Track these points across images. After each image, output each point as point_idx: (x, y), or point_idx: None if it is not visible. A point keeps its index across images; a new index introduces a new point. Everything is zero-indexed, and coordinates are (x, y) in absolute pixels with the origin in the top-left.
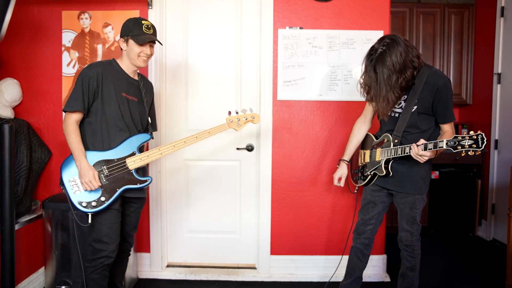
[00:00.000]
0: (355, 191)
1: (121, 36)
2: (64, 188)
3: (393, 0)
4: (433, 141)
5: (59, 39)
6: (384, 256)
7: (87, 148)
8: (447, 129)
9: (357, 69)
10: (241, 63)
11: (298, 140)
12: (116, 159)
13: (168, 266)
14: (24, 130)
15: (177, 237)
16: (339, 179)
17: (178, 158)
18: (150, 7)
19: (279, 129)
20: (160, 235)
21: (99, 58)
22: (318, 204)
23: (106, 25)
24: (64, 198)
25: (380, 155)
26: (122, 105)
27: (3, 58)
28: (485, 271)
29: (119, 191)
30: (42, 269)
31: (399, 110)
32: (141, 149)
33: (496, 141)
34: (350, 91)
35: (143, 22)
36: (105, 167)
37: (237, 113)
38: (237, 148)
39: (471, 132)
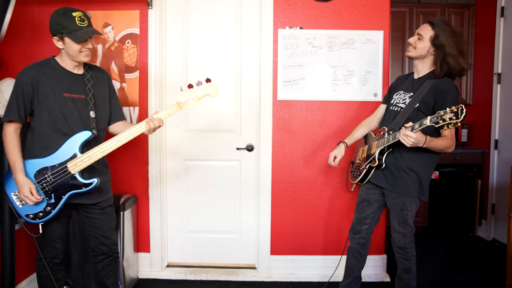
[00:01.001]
0: (352, 190)
1: (53, 35)
2: (10, 201)
3: (393, 0)
4: (418, 121)
5: None
6: (384, 256)
7: (32, 156)
8: (446, 134)
9: (357, 69)
10: (241, 63)
11: (298, 140)
12: (58, 164)
13: (168, 266)
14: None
15: (177, 237)
16: (334, 158)
17: (178, 158)
18: (150, 7)
19: (279, 129)
20: (160, 235)
21: (99, 58)
22: (318, 204)
23: (106, 25)
24: None
25: (375, 147)
26: (65, 106)
27: (3, 58)
28: (485, 271)
29: (64, 198)
30: None
31: (403, 105)
32: (88, 145)
33: (496, 141)
34: (350, 91)
35: (74, 14)
36: (48, 174)
37: (191, 87)
38: (237, 148)
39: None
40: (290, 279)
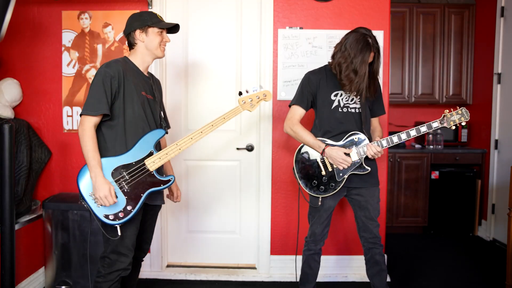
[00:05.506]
0: (320, 203)
1: (137, 28)
2: (86, 202)
3: (393, 0)
4: (425, 124)
5: (59, 39)
6: (384, 256)
7: (109, 154)
8: (378, 122)
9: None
10: (241, 63)
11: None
12: (135, 162)
13: (168, 266)
14: (24, 130)
15: (177, 237)
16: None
17: (178, 158)
18: (150, 7)
19: (279, 129)
20: (160, 235)
21: (99, 59)
22: None
23: (106, 25)
24: (64, 198)
25: (357, 154)
26: (144, 104)
27: (3, 58)
28: (485, 271)
29: (143, 196)
30: (42, 269)
31: (357, 105)
32: (157, 146)
33: (496, 141)
34: None
35: (154, 12)
36: (125, 173)
37: (247, 92)
38: (237, 148)
39: (451, 109)
40: (290, 279)
